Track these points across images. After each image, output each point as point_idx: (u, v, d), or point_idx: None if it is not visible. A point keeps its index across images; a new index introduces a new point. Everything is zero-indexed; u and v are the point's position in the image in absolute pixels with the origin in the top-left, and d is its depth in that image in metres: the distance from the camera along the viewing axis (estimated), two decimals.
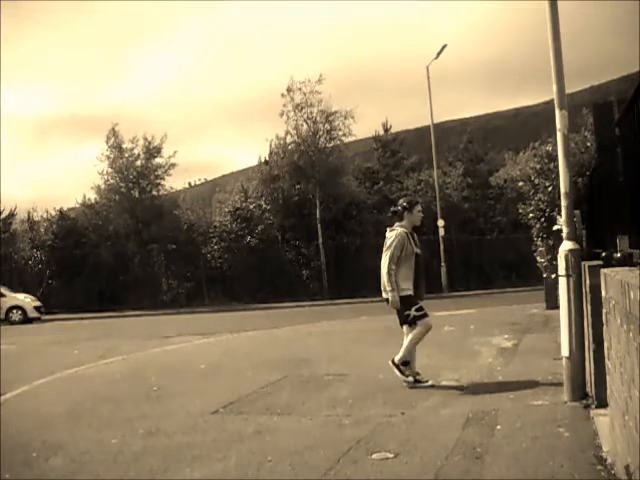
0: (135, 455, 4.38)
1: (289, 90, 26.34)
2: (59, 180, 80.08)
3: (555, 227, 7.93)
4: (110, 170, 26.45)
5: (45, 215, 27.20)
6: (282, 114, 26.66)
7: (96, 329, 16.38)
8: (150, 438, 4.79)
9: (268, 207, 26.31)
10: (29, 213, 27.25)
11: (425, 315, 6.27)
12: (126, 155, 26.53)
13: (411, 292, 6.19)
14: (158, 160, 26.85)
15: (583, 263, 5.18)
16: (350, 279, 25.72)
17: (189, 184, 42.02)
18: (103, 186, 26.66)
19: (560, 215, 6.17)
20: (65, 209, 27.26)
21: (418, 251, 6.25)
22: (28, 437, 4.97)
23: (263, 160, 29.10)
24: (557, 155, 5.59)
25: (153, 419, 5.38)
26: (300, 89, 26.31)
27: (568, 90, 5.62)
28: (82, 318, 20.80)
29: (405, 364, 6.23)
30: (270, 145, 28.55)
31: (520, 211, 13.48)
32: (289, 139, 27.71)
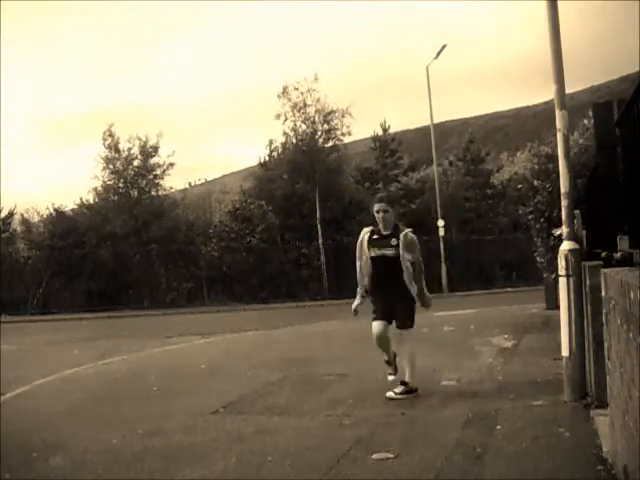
0: (135, 455, 4.38)
1: (284, 91, 26.37)
2: (59, 179, 79.96)
3: (555, 231, 7.94)
4: (107, 171, 26.41)
5: (43, 215, 27.19)
6: (279, 116, 26.70)
7: (96, 329, 16.38)
8: (150, 438, 4.79)
9: (269, 208, 26.28)
10: (22, 215, 27.19)
11: (374, 319, 5.84)
12: (123, 155, 26.49)
13: (363, 294, 5.96)
14: (156, 160, 26.83)
15: (583, 263, 5.18)
16: (350, 279, 25.49)
17: (189, 184, 41.91)
18: (100, 188, 26.64)
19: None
20: (64, 207, 27.19)
21: (374, 254, 5.81)
22: (28, 437, 4.97)
23: (262, 161, 29.13)
24: (556, 155, 5.60)
25: (153, 419, 5.38)
26: (297, 89, 26.35)
27: (568, 90, 5.63)
28: (82, 318, 20.78)
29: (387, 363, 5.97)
30: (270, 145, 28.64)
31: (519, 212, 13.51)
32: (287, 139, 27.77)
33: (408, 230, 5.92)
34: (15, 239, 27.08)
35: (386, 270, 5.78)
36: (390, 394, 5.77)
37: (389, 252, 5.77)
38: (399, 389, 5.80)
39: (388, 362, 5.97)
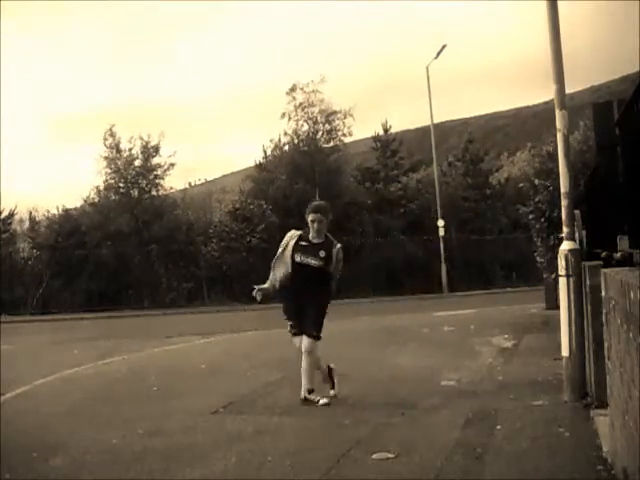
0: (135, 455, 4.38)
1: (293, 89, 26.44)
2: (60, 179, 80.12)
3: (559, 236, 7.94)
4: (109, 170, 26.43)
5: (47, 214, 27.20)
6: (284, 115, 26.75)
7: (96, 329, 16.36)
8: (150, 438, 4.79)
9: (269, 207, 26.28)
10: (30, 213, 27.22)
11: (295, 334, 5.84)
12: (125, 155, 26.50)
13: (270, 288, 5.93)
14: (157, 160, 26.83)
15: (583, 263, 5.18)
16: (350, 279, 25.67)
17: (189, 184, 41.85)
18: (102, 185, 26.66)
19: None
20: (69, 208, 27.23)
21: (299, 259, 5.76)
22: (28, 437, 4.96)
23: (258, 162, 29.16)
24: (557, 154, 5.60)
25: (153, 419, 5.38)
26: (302, 89, 26.44)
27: (568, 90, 5.63)
28: (82, 318, 20.77)
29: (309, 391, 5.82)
30: (263, 148, 28.75)
31: (520, 212, 13.52)
32: (287, 139, 27.81)
33: (339, 246, 5.90)
34: (15, 239, 27.07)
35: (306, 278, 5.73)
36: (324, 400, 5.70)
37: (314, 262, 5.75)
38: (320, 398, 5.74)
39: (311, 390, 5.83)
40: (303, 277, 5.73)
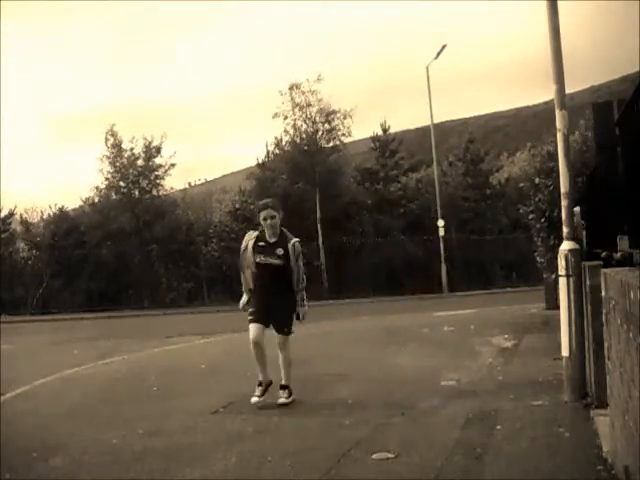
0: (135, 455, 4.38)
1: (290, 88, 26.36)
2: (59, 179, 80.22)
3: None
4: (111, 170, 26.44)
5: (44, 215, 27.19)
6: (276, 115, 26.64)
7: (96, 329, 16.35)
8: (150, 438, 4.79)
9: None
10: (21, 215, 27.16)
11: (251, 321, 5.87)
12: (126, 155, 26.51)
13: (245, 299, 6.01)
14: (158, 160, 26.86)
15: (583, 263, 5.18)
16: (350, 279, 25.71)
17: (189, 184, 41.81)
18: (102, 185, 26.68)
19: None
20: (66, 207, 27.23)
21: (260, 260, 5.77)
22: (28, 437, 4.96)
23: (260, 161, 29.14)
24: (557, 155, 5.60)
25: (153, 419, 5.38)
26: (298, 88, 26.34)
27: (568, 90, 5.63)
28: (82, 318, 20.78)
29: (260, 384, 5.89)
30: (266, 145, 28.71)
31: (520, 211, 13.51)
32: (287, 138, 27.77)
33: (296, 240, 5.91)
34: (15, 239, 27.06)
35: (271, 278, 5.79)
36: (282, 400, 5.72)
37: (275, 261, 5.77)
38: (285, 394, 5.78)
39: (260, 383, 5.88)
40: (267, 277, 5.80)
